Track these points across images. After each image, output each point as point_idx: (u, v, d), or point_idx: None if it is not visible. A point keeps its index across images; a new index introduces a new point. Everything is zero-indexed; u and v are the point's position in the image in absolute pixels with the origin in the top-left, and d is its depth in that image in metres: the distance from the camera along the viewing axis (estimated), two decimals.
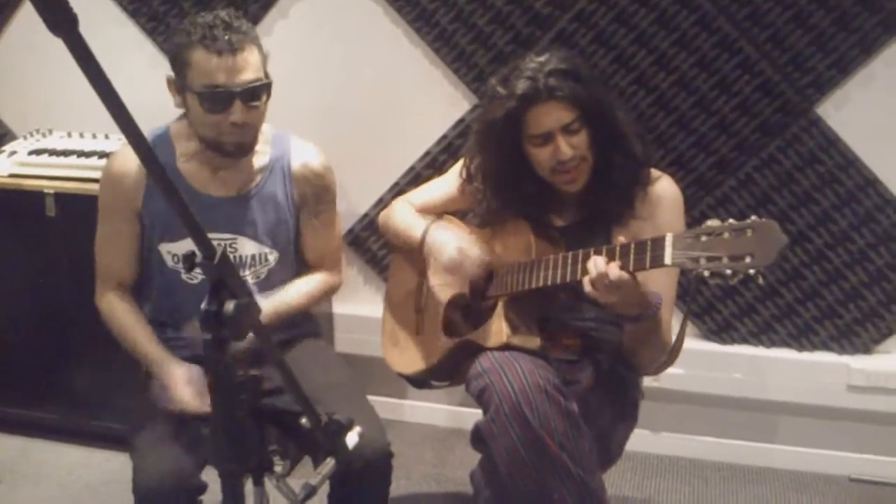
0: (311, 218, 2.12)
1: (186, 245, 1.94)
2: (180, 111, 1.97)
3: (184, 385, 1.86)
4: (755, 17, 2.36)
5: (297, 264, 2.16)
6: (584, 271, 1.67)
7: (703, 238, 1.48)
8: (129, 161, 1.95)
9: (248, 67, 1.84)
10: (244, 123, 1.88)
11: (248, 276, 2.04)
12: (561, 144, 1.80)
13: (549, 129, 1.80)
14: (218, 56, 1.81)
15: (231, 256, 1.98)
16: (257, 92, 1.87)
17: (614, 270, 1.59)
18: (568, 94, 1.78)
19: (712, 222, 1.49)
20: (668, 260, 1.53)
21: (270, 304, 2.02)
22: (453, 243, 1.99)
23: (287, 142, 2.09)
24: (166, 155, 1.98)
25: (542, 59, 1.81)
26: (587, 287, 1.64)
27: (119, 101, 0.94)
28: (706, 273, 1.47)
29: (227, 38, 1.80)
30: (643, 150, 1.90)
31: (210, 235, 1.93)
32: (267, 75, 1.91)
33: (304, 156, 2.09)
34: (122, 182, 1.97)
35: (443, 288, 2.03)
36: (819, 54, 2.36)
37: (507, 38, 2.53)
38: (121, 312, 2.01)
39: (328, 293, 2.22)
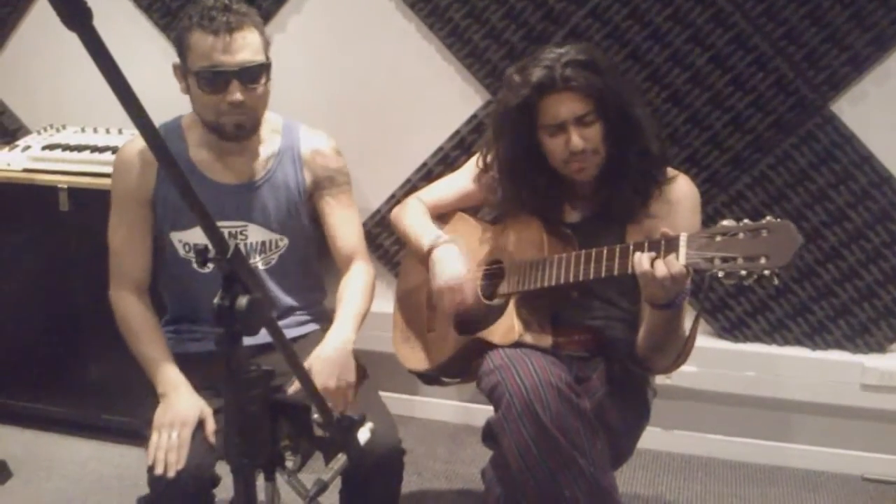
0: (328, 200, 2.11)
1: (197, 233, 1.94)
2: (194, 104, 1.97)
3: (187, 415, 1.81)
4: (770, 14, 2.35)
5: (310, 250, 2.15)
6: (607, 269, 1.67)
7: (718, 238, 1.47)
8: (138, 148, 1.97)
9: (246, 48, 1.85)
10: (242, 104, 1.88)
11: (259, 263, 2.05)
12: (573, 136, 1.78)
13: (563, 120, 1.78)
14: (214, 36, 1.82)
15: (241, 244, 2.00)
16: (255, 73, 1.88)
17: (675, 265, 1.54)
18: (583, 86, 1.75)
19: (727, 222, 1.48)
20: (682, 259, 1.52)
21: (349, 325, 1.99)
22: (448, 273, 1.96)
23: (297, 130, 2.11)
24: (178, 145, 1.99)
25: (561, 49, 1.79)
26: (640, 269, 1.59)
27: (133, 95, 0.94)
28: (720, 273, 1.46)
29: (224, 18, 1.82)
30: (660, 147, 1.88)
31: (220, 223, 1.97)
32: (267, 58, 1.92)
33: (314, 141, 2.11)
34: (133, 168, 1.97)
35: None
36: (834, 51, 2.35)
37: (520, 34, 2.52)
38: (139, 321, 1.97)
39: (373, 283, 2.15)
